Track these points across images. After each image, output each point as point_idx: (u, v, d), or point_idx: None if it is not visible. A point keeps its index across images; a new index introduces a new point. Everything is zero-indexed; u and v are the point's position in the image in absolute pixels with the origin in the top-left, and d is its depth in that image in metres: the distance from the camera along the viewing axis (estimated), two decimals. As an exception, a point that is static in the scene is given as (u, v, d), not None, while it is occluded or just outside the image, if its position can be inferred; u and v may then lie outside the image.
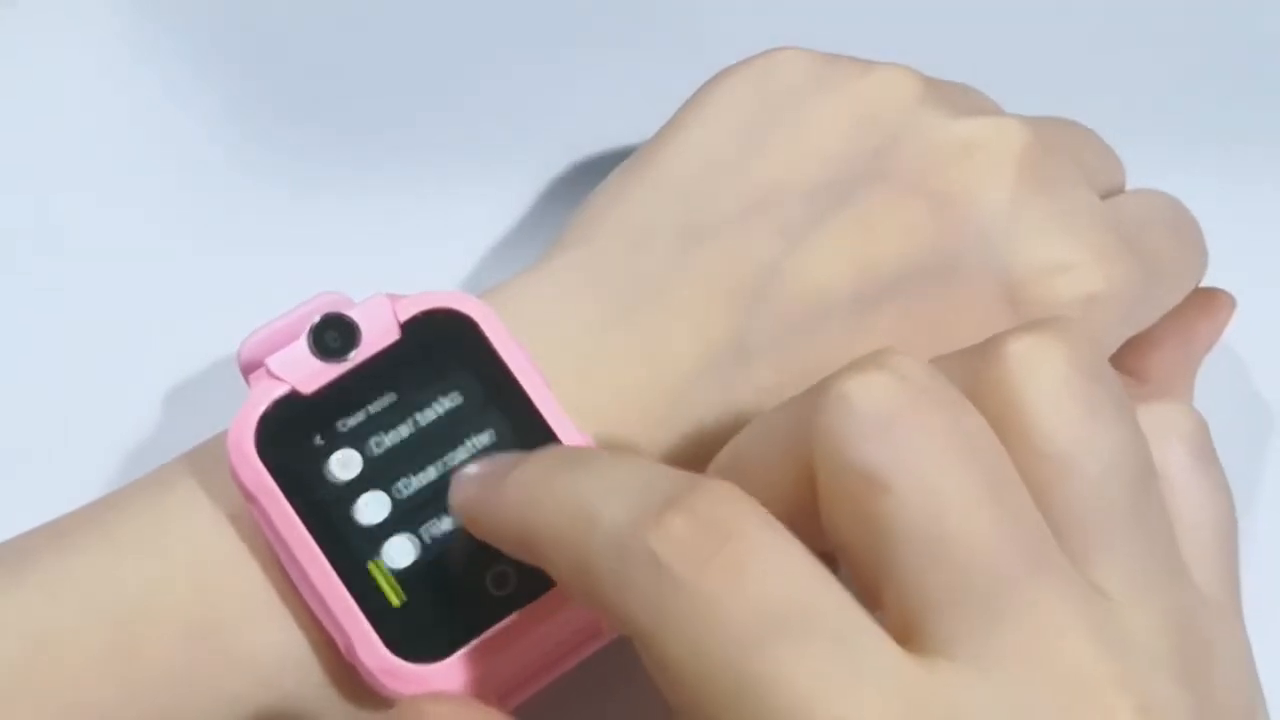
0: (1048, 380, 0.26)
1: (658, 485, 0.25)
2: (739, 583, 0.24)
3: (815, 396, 0.26)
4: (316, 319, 0.32)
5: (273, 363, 0.31)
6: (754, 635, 0.23)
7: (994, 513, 0.25)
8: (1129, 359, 0.38)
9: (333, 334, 0.32)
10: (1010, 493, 0.25)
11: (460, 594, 0.31)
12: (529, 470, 0.27)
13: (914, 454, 0.25)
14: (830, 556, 0.26)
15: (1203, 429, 0.28)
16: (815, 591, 0.24)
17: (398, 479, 0.31)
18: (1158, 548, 0.26)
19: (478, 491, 0.28)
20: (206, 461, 0.32)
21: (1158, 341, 0.38)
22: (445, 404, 0.32)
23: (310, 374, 0.31)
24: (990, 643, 0.24)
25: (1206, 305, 0.39)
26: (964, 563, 0.24)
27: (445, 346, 0.32)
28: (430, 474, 0.31)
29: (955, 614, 0.24)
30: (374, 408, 0.31)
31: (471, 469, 0.29)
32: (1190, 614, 0.26)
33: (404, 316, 0.32)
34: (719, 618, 0.24)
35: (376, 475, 0.31)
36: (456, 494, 0.29)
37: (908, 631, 0.25)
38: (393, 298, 0.32)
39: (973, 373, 0.26)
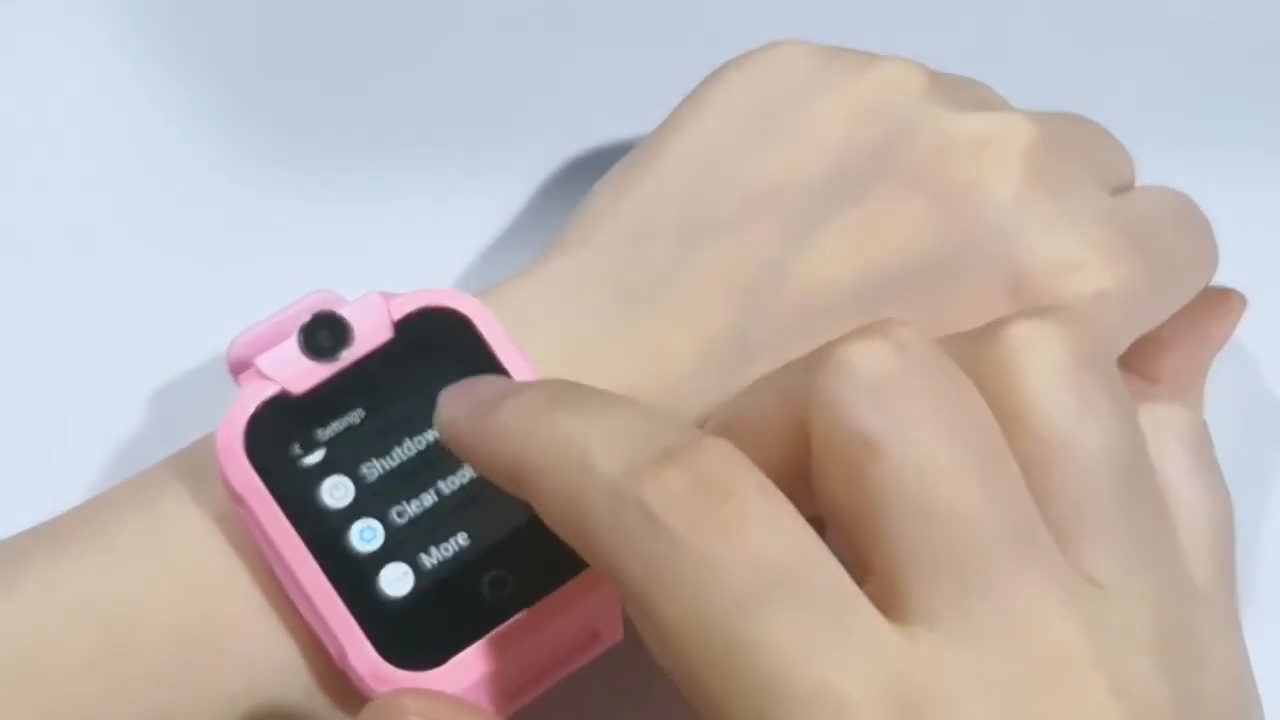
0: (1046, 365, 0.26)
1: (656, 435, 0.26)
2: (735, 543, 0.24)
3: (816, 360, 0.26)
4: (307, 317, 0.31)
5: (262, 362, 0.31)
6: (747, 597, 0.24)
7: (983, 486, 0.25)
8: (1139, 359, 0.37)
9: (324, 333, 0.31)
10: (1001, 469, 0.26)
11: (455, 598, 0.30)
12: (525, 401, 0.27)
13: (909, 422, 0.25)
14: (819, 521, 0.26)
15: (1201, 429, 0.29)
16: (807, 557, 0.25)
17: (390, 482, 0.31)
18: (1147, 537, 0.26)
19: (467, 415, 0.28)
20: (196, 463, 0.32)
21: (1168, 341, 0.38)
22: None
23: (301, 374, 0.31)
24: (969, 614, 0.24)
25: (1217, 305, 0.39)
26: (950, 532, 0.25)
27: (440, 346, 0.32)
28: (423, 475, 0.31)
29: (938, 582, 0.25)
30: (366, 408, 0.31)
31: (457, 388, 0.29)
32: (1177, 604, 0.26)
33: (398, 315, 0.32)
34: (714, 577, 0.24)
35: (368, 477, 0.31)
36: (443, 412, 0.29)
37: (891, 598, 0.25)
38: (386, 296, 0.32)
39: (973, 353, 0.27)
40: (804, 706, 0.23)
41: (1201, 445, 0.28)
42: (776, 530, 0.25)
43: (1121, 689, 0.24)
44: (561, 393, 0.27)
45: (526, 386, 0.28)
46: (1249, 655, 0.28)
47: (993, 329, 0.27)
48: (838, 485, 0.26)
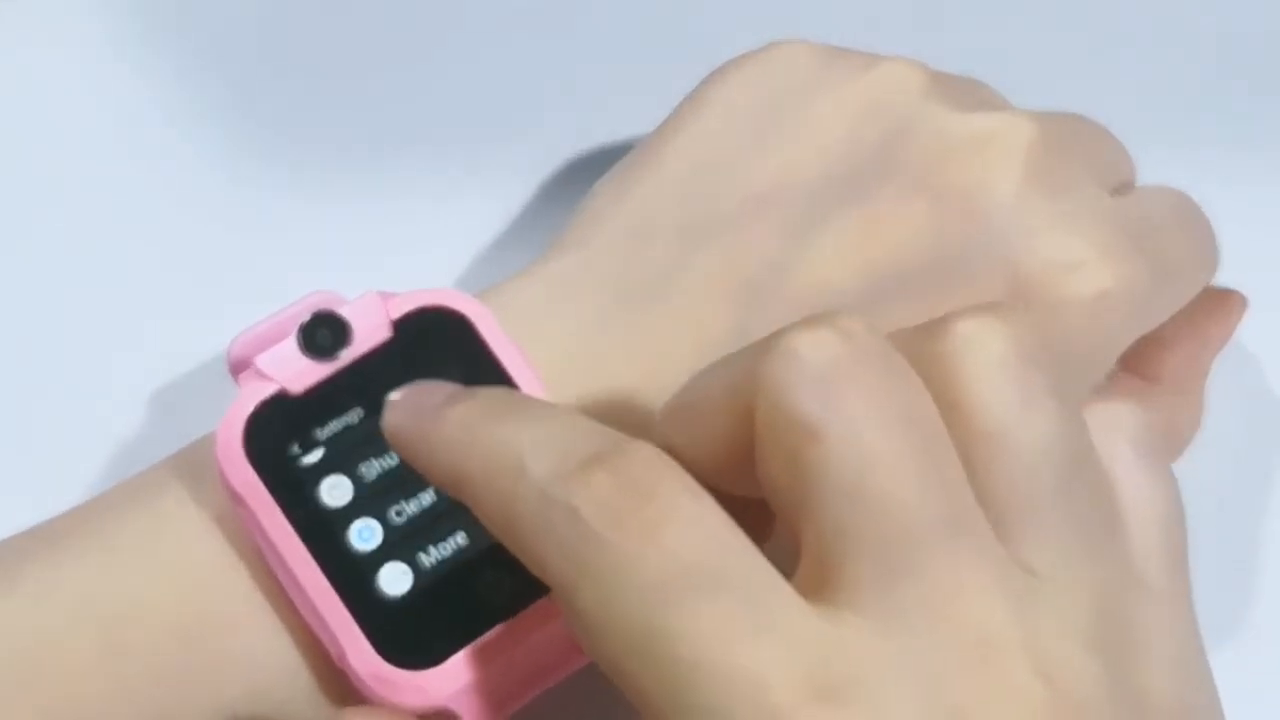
0: (987, 359, 0.27)
1: (586, 441, 0.27)
2: (653, 541, 0.25)
3: (763, 346, 0.27)
4: (307, 317, 0.32)
5: (261, 361, 0.31)
6: (663, 590, 0.25)
7: (919, 474, 0.26)
8: (1140, 359, 0.37)
9: (323, 332, 0.31)
10: (938, 458, 0.26)
11: (453, 598, 0.30)
12: (465, 410, 0.28)
13: (848, 408, 0.26)
14: (765, 506, 0.27)
15: (1147, 426, 0.29)
16: (727, 552, 0.25)
17: (388, 481, 0.31)
18: (1087, 529, 0.27)
19: (412, 423, 0.29)
20: (196, 462, 0.32)
21: (1168, 341, 0.38)
22: (438, 404, 0.31)
23: (300, 373, 0.31)
24: (895, 598, 0.25)
25: (1218, 305, 0.39)
26: (881, 516, 0.25)
27: (439, 345, 0.32)
28: (421, 476, 0.31)
29: (865, 566, 0.25)
30: (365, 407, 0.31)
31: (398, 395, 0.29)
32: (1117, 595, 0.27)
33: (396, 315, 0.32)
34: (631, 573, 0.25)
35: (367, 476, 0.31)
36: (388, 418, 0.29)
37: (821, 581, 0.26)
38: (385, 296, 0.32)
39: (919, 347, 0.27)
40: (721, 690, 0.24)
41: (1149, 440, 0.29)
42: (696, 528, 0.25)
43: (1047, 672, 0.25)
44: (501, 402, 0.28)
45: (468, 394, 0.29)
46: (1203, 650, 0.28)
47: (939, 323, 0.27)
48: (778, 469, 0.26)
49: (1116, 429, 0.28)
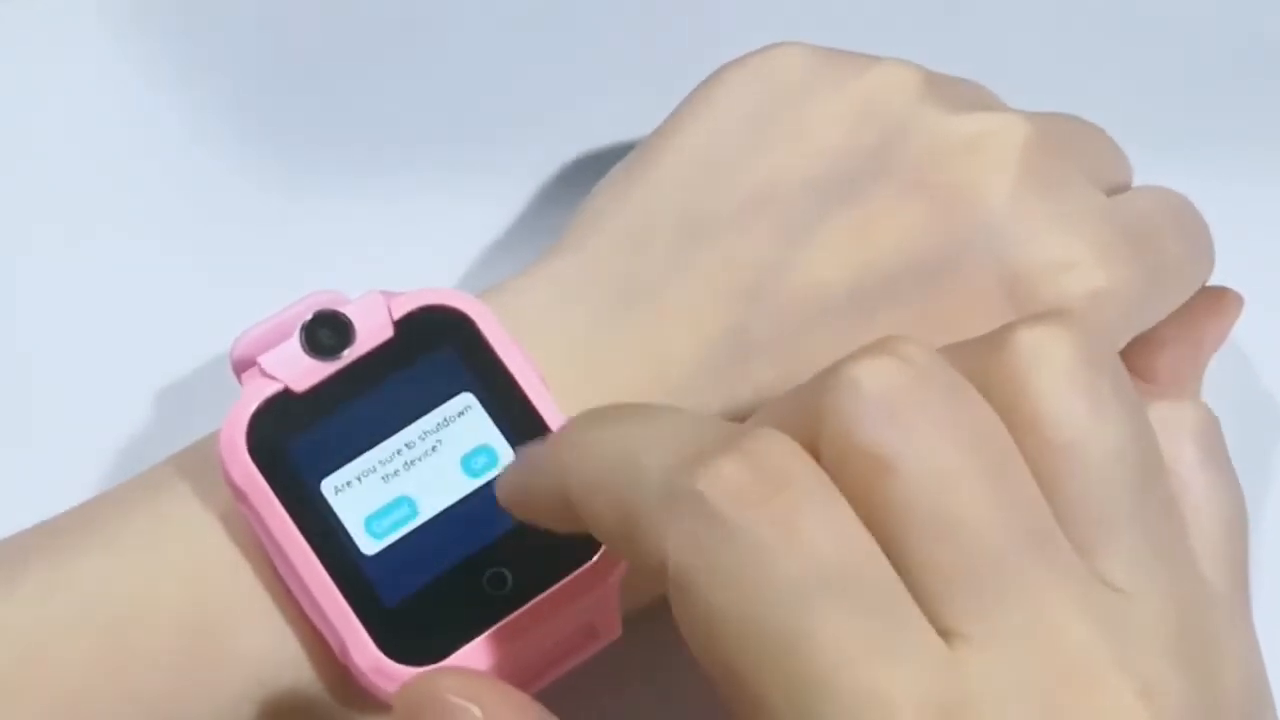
0: (1055, 370, 0.26)
1: (706, 429, 0.25)
2: (789, 533, 0.24)
3: (823, 380, 0.26)
4: (309, 316, 0.32)
5: (265, 361, 0.31)
6: (801, 590, 0.24)
7: (996, 495, 0.25)
8: (1135, 359, 0.37)
9: (326, 331, 0.32)
10: (1013, 477, 0.25)
11: (455, 595, 0.30)
12: (566, 431, 0.27)
13: (919, 436, 0.25)
14: None
15: (1214, 427, 0.29)
16: (861, 555, 0.24)
17: (392, 478, 0.31)
18: (1163, 538, 0.26)
19: (514, 475, 0.28)
20: (200, 461, 0.32)
21: (1164, 341, 0.38)
22: (440, 402, 0.32)
23: (303, 372, 0.31)
24: (995, 622, 0.24)
25: (1214, 304, 0.39)
26: (967, 543, 0.25)
27: (441, 344, 0.32)
28: (425, 473, 0.31)
29: (962, 593, 0.24)
30: (367, 406, 0.31)
31: (507, 469, 0.29)
32: (1194, 604, 0.26)
33: (399, 314, 0.32)
34: (766, 567, 0.24)
35: (370, 474, 0.31)
36: (500, 493, 0.29)
37: (921, 609, 0.25)
38: (387, 295, 0.32)
39: (981, 362, 0.26)
40: (849, 707, 0.23)
41: (1214, 442, 0.28)
42: (831, 524, 0.24)
43: (1148, 691, 0.24)
44: (604, 412, 0.27)
45: (567, 422, 0.28)
46: (1261, 652, 0.28)
47: (999, 336, 0.27)
48: (853, 504, 0.25)
49: (1181, 429, 0.28)
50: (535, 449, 0.28)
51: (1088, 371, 0.26)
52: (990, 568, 0.25)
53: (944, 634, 0.24)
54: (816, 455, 0.26)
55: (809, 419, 0.26)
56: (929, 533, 0.25)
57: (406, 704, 0.26)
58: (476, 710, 0.26)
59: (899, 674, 0.24)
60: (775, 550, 0.24)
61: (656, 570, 0.25)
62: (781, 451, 0.25)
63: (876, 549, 0.25)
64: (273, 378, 0.31)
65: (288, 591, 0.31)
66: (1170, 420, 0.28)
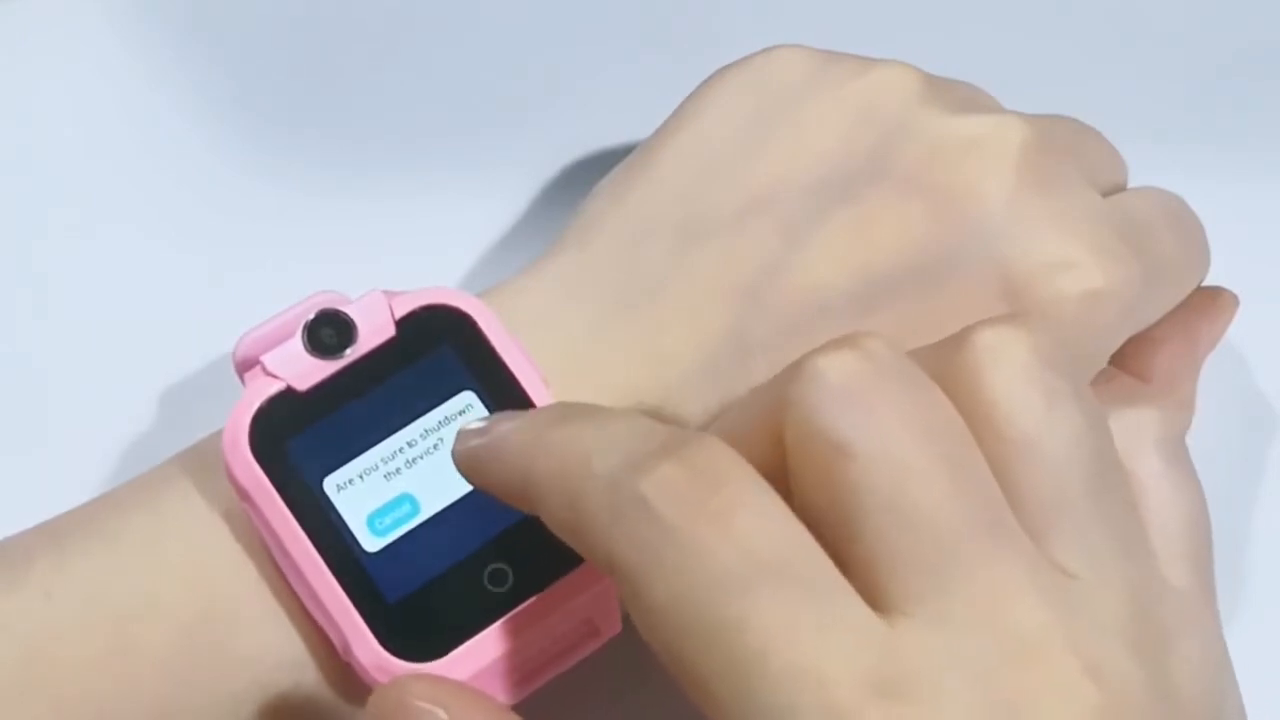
0: (1010, 368, 0.27)
1: (652, 435, 0.27)
2: (725, 530, 0.25)
3: (790, 372, 0.27)
4: (311, 316, 0.32)
5: (268, 360, 0.31)
6: (734, 581, 0.25)
7: (951, 482, 0.26)
8: (1131, 358, 0.38)
9: (328, 331, 0.32)
10: (968, 466, 0.26)
11: (456, 592, 0.31)
12: (530, 421, 0.28)
13: (878, 425, 0.26)
14: None
15: (1175, 431, 0.30)
16: (795, 545, 0.26)
17: (394, 476, 0.31)
18: (1116, 530, 0.27)
19: (480, 443, 0.29)
20: (202, 460, 0.32)
21: (1160, 341, 0.38)
22: (441, 401, 0.32)
23: (305, 371, 0.31)
24: (944, 601, 0.25)
25: (1209, 304, 0.39)
26: (921, 526, 0.26)
27: (442, 343, 0.32)
28: (426, 471, 0.31)
29: (913, 574, 0.25)
30: (369, 405, 0.31)
31: (472, 425, 0.29)
32: (1148, 594, 0.27)
33: (400, 313, 0.32)
34: (703, 562, 0.25)
35: (372, 472, 0.31)
36: (458, 447, 0.29)
37: (871, 591, 0.26)
38: (389, 294, 0.32)
39: (942, 361, 0.28)
40: (785, 685, 0.24)
41: (1176, 447, 0.29)
42: (765, 519, 0.26)
43: (1095, 671, 0.25)
44: (566, 409, 0.28)
45: (533, 412, 0.29)
46: (1227, 651, 0.28)
47: (959, 336, 0.28)
48: (813, 489, 0.26)
49: (1143, 434, 0.29)
50: (503, 429, 0.28)
51: (1043, 371, 0.27)
52: (940, 550, 0.26)
53: (886, 614, 0.25)
54: (782, 441, 0.27)
55: (776, 408, 0.27)
56: (883, 517, 0.26)
57: (376, 711, 0.27)
58: (443, 714, 0.26)
59: (833, 651, 0.25)
60: (711, 545, 0.25)
61: (603, 565, 0.26)
62: (718, 455, 0.26)
63: (809, 539, 0.26)
64: (275, 377, 0.31)
65: (290, 590, 0.31)
66: (1133, 425, 0.29)
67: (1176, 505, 0.29)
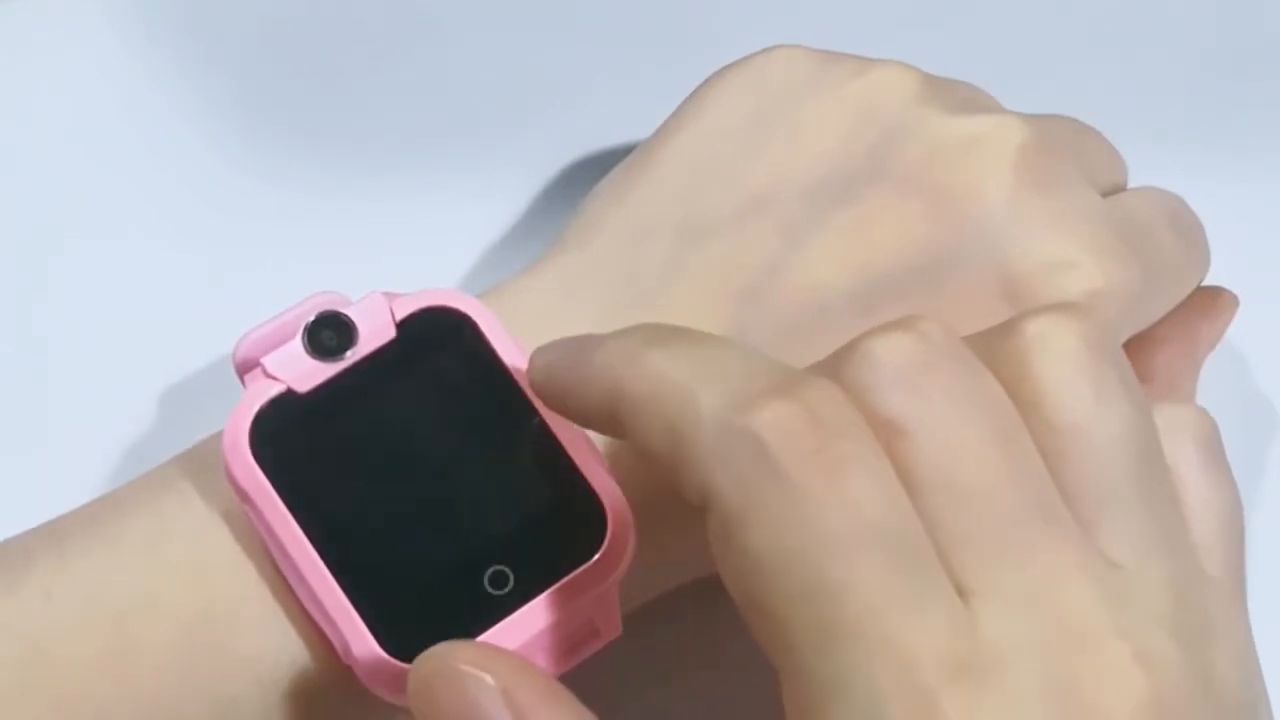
0: (1060, 356, 0.27)
1: (762, 370, 0.26)
2: (837, 486, 0.25)
3: (843, 353, 0.27)
4: (312, 318, 0.32)
5: (268, 362, 0.31)
6: (839, 543, 0.25)
7: (1003, 464, 0.26)
8: (1131, 358, 0.37)
9: (328, 332, 0.32)
10: (1020, 449, 0.27)
11: (457, 594, 0.31)
12: (623, 340, 0.28)
13: (932, 404, 0.26)
14: None
15: (1214, 429, 0.29)
16: (901, 513, 0.25)
17: (394, 478, 0.31)
18: (1161, 520, 0.27)
19: (562, 358, 0.29)
20: (203, 461, 0.32)
21: (1160, 341, 0.38)
22: (442, 402, 0.32)
23: (306, 373, 0.31)
24: (1003, 582, 0.25)
25: (1209, 304, 0.39)
26: (976, 506, 0.26)
27: (442, 345, 0.32)
28: (427, 473, 0.31)
29: (969, 554, 0.25)
30: (370, 406, 0.31)
31: (548, 344, 0.29)
32: (1192, 584, 0.27)
33: (400, 315, 0.32)
34: (810, 517, 0.25)
35: (372, 474, 0.31)
36: (536, 359, 0.29)
37: None
38: (389, 296, 0.32)
39: (992, 348, 0.28)
40: (872, 654, 0.24)
41: (1214, 446, 0.29)
42: (876, 480, 0.25)
43: (1144, 658, 0.25)
44: (660, 329, 0.28)
45: (623, 330, 0.28)
46: (1255, 645, 0.28)
47: (1010, 324, 0.28)
48: None
49: (1184, 430, 0.29)
50: (588, 346, 0.28)
51: (1093, 360, 0.27)
52: (998, 531, 0.26)
53: (960, 592, 0.25)
54: None
55: None
56: (940, 495, 0.26)
57: (420, 675, 0.27)
58: (489, 679, 0.26)
59: (923, 628, 0.25)
60: (822, 499, 0.25)
61: (695, 500, 0.26)
62: (836, 401, 0.26)
63: (911, 509, 0.25)
64: (276, 378, 0.31)
65: (290, 591, 0.31)
66: (1173, 421, 0.29)
67: (1214, 504, 0.29)
